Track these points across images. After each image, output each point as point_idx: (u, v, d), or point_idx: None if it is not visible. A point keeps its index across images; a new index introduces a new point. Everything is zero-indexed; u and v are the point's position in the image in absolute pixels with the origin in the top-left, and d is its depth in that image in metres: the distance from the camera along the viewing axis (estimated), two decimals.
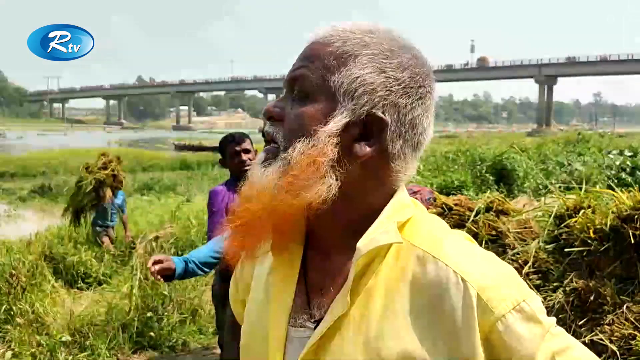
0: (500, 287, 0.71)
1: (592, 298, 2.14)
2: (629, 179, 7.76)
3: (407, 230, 0.76)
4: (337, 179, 0.73)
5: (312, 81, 0.76)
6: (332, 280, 0.78)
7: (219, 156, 3.54)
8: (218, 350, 4.49)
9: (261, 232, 0.77)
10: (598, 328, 2.08)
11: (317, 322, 0.76)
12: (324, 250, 0.80)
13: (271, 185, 0.74)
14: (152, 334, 4.39)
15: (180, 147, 35.83)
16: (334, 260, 0.79)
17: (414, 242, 0.75)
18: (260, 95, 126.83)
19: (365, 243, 0.73)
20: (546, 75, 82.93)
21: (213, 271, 3.59)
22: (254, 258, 0.83)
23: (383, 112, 0.74)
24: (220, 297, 3.44)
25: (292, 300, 0.80)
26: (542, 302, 0.77)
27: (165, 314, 4.59)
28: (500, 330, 0.69)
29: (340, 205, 0.74)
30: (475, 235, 2.44)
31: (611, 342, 2.01)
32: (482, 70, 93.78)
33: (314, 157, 0.72)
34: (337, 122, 0.73)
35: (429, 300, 0.71)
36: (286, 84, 0.80)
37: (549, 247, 2.47)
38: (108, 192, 6.75)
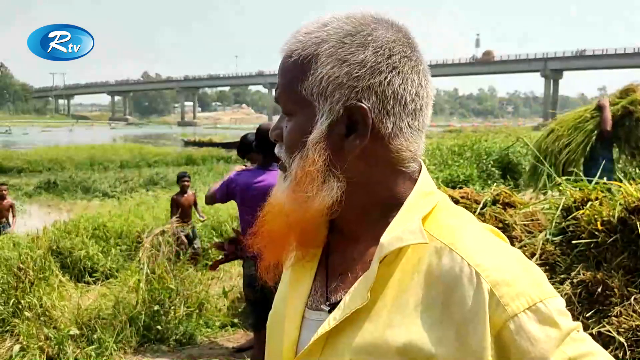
0: (516, 285, 0.68)
1: (599, 290, 2.14)
2: (637, 170, 7.70)
3: (428, 221, 0.75)
4: (339, 180, 0.74)
5: (287, 97, 0.77)
6: (351, 266, 0.78)
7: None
8: (224, 344, 4.52)
9: (286, 245, 0.81)
10: (605, 320, 2.07)
11: (332, 306, 0.76)
12: (346, 237, 0.80)
13: (284, 202, 0.78)
14: (159, 327, 4.41)
15: (190, 143, 35.82)
16: (355, 247, 0.79)
17: (434, 233, 0.74)
18: (265, 90, 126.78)
19: (390, 241, 0.72)
20: (552, 69, 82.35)
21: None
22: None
23: (359, 100, 0.73)
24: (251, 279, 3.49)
25: (312, 283, 0.81)
26: None
27: (172, 307, 4.60)
28: (511, 329, 0.67)
29: (355, 198, 0.76)
30: None
31: (619, 333, 2.01)
32: (488, 64, 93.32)
33: (306, 168, 0.74)
34: (319, 127, 0.74)
35: (442, 292, 0.70)
36: None
37: (556, 239, 2.46)
38: None
